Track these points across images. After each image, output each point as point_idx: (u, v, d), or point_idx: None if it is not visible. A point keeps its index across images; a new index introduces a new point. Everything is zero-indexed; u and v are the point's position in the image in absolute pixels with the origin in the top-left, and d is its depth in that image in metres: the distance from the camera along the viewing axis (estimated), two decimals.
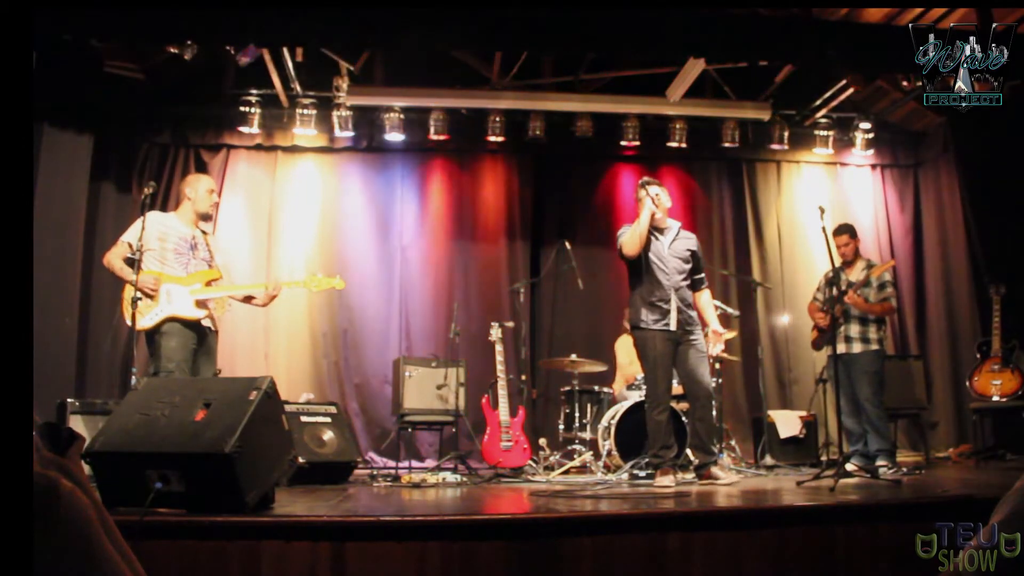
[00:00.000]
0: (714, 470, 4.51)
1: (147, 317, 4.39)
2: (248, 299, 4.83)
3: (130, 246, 4.54)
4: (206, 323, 4.57)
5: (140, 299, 4.27)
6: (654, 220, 4.59)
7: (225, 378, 4.80)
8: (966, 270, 7.08)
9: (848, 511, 3.17)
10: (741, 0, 5.29)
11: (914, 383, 6.30)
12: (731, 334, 4.80)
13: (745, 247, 7.53)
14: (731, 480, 4.48)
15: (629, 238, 4.56)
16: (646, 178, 4.84)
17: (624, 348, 6.28)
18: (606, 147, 7.40)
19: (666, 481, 4.36)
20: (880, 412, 5.27)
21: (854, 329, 5.32)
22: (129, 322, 4.42)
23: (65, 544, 1.03)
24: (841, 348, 5.23)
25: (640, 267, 4.59)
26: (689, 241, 4.75)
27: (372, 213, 7.23)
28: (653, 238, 4.63)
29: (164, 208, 6.78)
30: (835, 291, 5.22)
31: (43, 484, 1.04)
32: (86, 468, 2.96)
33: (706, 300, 4.84)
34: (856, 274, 5.43)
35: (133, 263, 4.44)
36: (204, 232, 4.76)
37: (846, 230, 5.57)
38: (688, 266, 4.67)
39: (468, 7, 4.71)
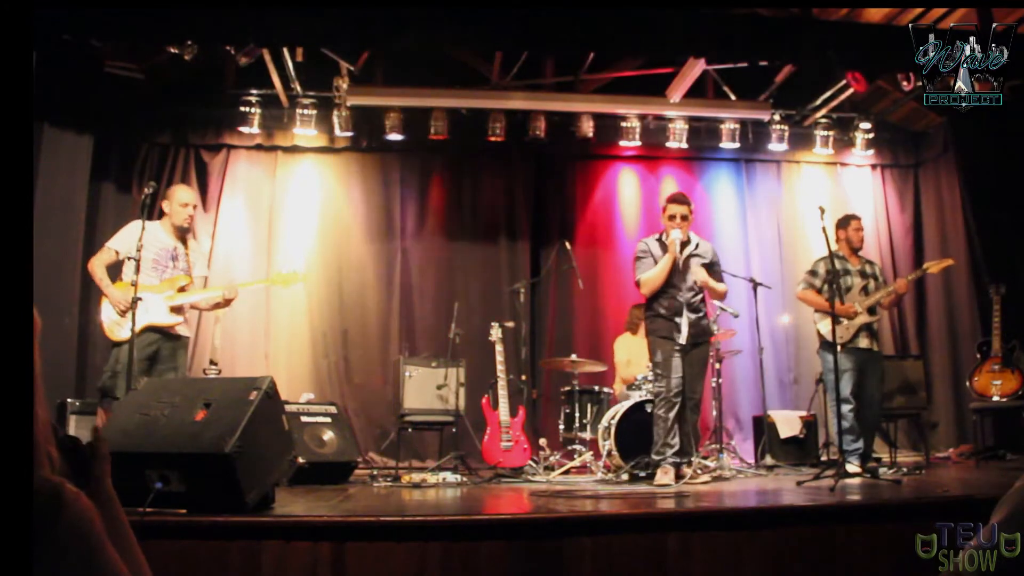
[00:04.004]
0: (684, 469, 4.66)
1: (126, 328, 4.44)
2: (217, 306, 4.93)
3: (116, 253, 4.60)
4: (180, 330, 4.64)
5: (140, 299, 4.29)
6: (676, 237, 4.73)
7: (225, 378, 4.83)
8: (966, 270, 7.07)
9: (848, 511, 3.17)
10: (741, 0, 5.28)
11: (914, 383, 6.29)
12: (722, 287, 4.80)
13: (745, 247, 7.53)
14: (702, 479, 4.67)
15: (649, 280, 4.72)
16: (676, 194, 4.96)
17: (623, 347, 6.28)
18: (606, 147, 7.41)
19: (666, 479, 4.44)
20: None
21: (875, 325, 5.30)
22: (110, 336, 4.53)
23: (67, 551, 1.02)
24: (866, 342, 5.20)
25: None
26: (704, 256, 4.84)
27: (372, 213, 7.22)
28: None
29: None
30: (870, 280, 5.29)
31: (47, 490, 1.03)
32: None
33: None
34: (860, 265, 5.41)
35: (118, 270, 4.54)
36: (186, 242, 4.81)
37: (858, 217, 5.60)
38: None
39: (468, 7, 4.71)
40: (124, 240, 4.65)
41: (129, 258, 4.57)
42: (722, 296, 4.89)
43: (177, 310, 4.57)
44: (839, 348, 4.97)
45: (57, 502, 1.03)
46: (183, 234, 4.79)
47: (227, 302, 4.83)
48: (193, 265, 4.82)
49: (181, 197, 4.82)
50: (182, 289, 4.63)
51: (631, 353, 6.15)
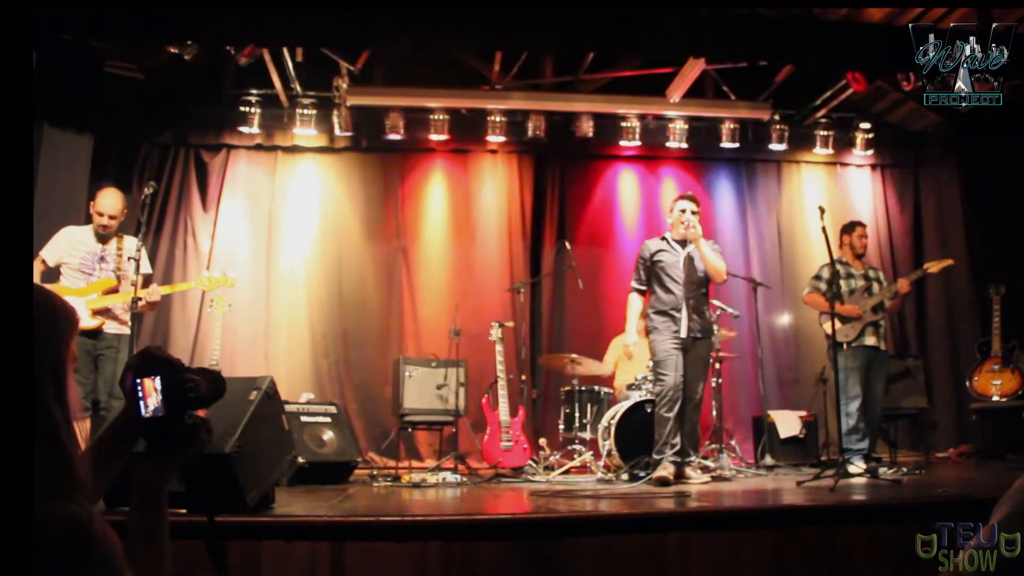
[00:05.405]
0: (687, 470, 4.71)
1: None
2: (144, 308, 4.74)
3: (44, 262, 4.61)
4: (110, 328, 4.62)
5: (140, 299, 4.30)
6: (679, 234, 4.80)
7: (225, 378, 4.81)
8: (966, 270, 7.07)
9: (848, 511, 3.17)
10: (741, 0, 5.28)
11: (914, 383, 6.29)
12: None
13: (745, 247, 7.53)
14: (702, 479, 4.71)
15: (628, 308, 5.03)
16: (686, 192, 5.10)
17: (620, 341, 6.30)
18: (606, 147, 7.41)
19: (665, 475, 4.47)
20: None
21: (882, 323, 5.38)
22: None
23: None
24: (872, 340, 5.28)
25: (655, 279, 4.85)
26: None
27: (372, 213, 7.22)
28: (672, 250, 4.83)
29: (164, 209, 6.82)
30: (873, 283, 5.39)
31: (74, 523, 1.00)
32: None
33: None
34: (863, 270, 5.49)
35: (52, 277, 4.57)
36: (120, 240, 4.74)
37: (863, 224, 5.71)
38: (705, 276, 4.85)
39: (468, 7, 4.71)
40: (52, 248, 4.67)
41: (60, 265, 4.61)
42: (719, 272, 4.80)
43: (101, 312, 4.56)
44: (846, 347, 5.17)
45: (85, 536, 1.00)
46: (106, 239, 4.72)
47: (150, 305, 4.75)
48: (129, 265, 4.69)
49: (97, 204, 4.74)
50: (112, 291, 4.59)
51: (619, 346, 6.17)
